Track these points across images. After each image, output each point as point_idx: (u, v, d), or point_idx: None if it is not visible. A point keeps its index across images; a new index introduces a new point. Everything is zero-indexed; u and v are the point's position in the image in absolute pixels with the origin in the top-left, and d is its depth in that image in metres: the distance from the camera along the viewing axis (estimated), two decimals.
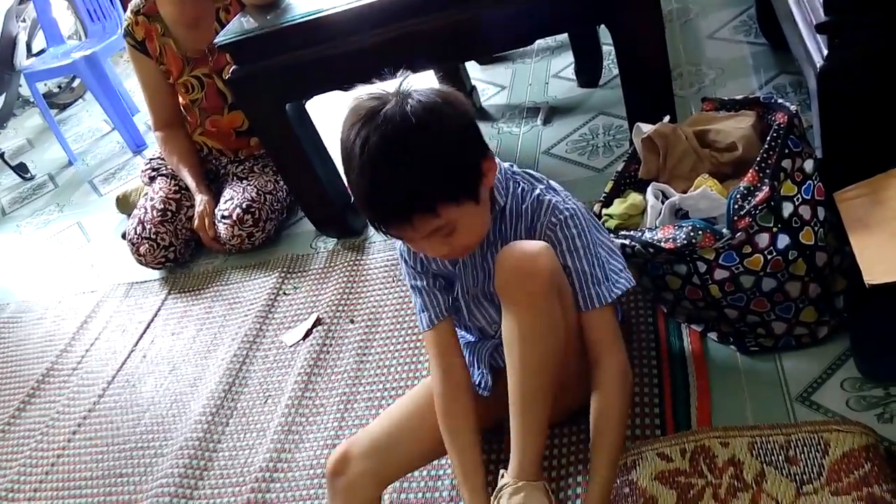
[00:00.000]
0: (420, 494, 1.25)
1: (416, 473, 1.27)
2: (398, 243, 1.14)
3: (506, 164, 1.14)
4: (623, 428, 1.07)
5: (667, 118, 1.37)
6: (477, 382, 1.19)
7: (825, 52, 1.16)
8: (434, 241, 1.02)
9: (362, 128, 0.95)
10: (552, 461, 1.22)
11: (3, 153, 3.22)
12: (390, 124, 0.93)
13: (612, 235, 1.25)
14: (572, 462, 1.21)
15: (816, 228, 1.17)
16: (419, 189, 0.95)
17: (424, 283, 1.16)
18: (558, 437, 1.25)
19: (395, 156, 0.94)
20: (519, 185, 1.11)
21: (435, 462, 1.27)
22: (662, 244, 1.17)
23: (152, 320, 1.97)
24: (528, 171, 1.15)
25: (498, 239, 1.12)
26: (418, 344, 1.56)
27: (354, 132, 0.95)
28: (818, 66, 1.17)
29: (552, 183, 1.14)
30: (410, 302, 1.66)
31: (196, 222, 2.07)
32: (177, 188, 2.15)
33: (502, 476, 1.03)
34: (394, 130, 0.93)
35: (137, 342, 1.90)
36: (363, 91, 0.99)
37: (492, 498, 1.02)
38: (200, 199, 2.08)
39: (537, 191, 1.10)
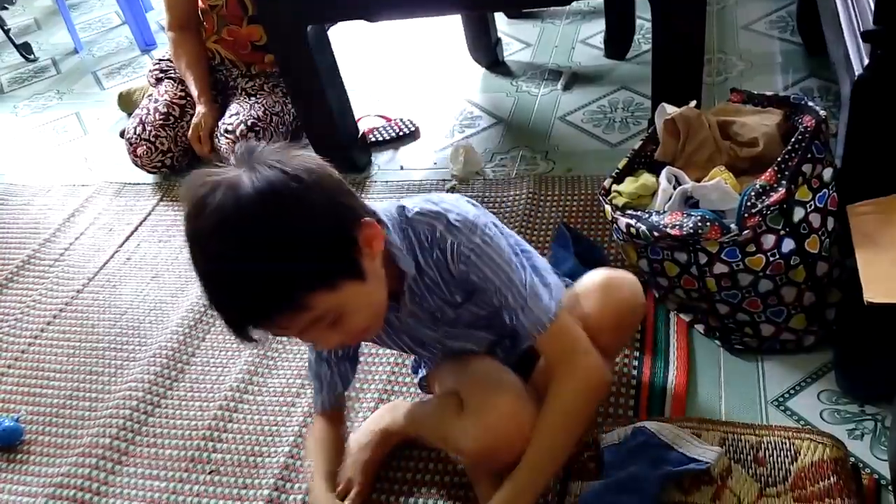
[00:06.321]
0: None
1: None
2: None
3: (393, 207, 0.97)
4: (562, 435, 0.96)
5: (693, 103, 1.35)
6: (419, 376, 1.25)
7: (866, 60, 1.13)
8: (318, 331, 0.87)
9: (194, 223, 0.83)
10: None
11: (9, 29, 3.12)
12: (217, 215, 0.80)
13: (618, 213, 1.24)
14: None
15: (823, 238, 1.16)
16: (265, 289, 0.80)
17: (329, 353, 1.07)
18: None
19: (233, 254, 0.81)
20: (419, 231, 0.95)
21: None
22: (668, 229, 1.16)
23: (141, 224, 1.94)
24: (421, 202, 0.96)
25: (416, 304, 0.99)
26: None
27: (188, 230, 0.84)
28: (856, 73, 1.14)
29: (448, 206, 0.95)
30: None
31: (190, 133, 2.02)
32: (183, 93, 2.10)
33: None
34: (226, 225, 0.80)
35: (123, 244, 1.88)
36: (197, 176, 0.84)
37: None
38: (199, 111, 2.03)
39: (437, 231, 0.93)
